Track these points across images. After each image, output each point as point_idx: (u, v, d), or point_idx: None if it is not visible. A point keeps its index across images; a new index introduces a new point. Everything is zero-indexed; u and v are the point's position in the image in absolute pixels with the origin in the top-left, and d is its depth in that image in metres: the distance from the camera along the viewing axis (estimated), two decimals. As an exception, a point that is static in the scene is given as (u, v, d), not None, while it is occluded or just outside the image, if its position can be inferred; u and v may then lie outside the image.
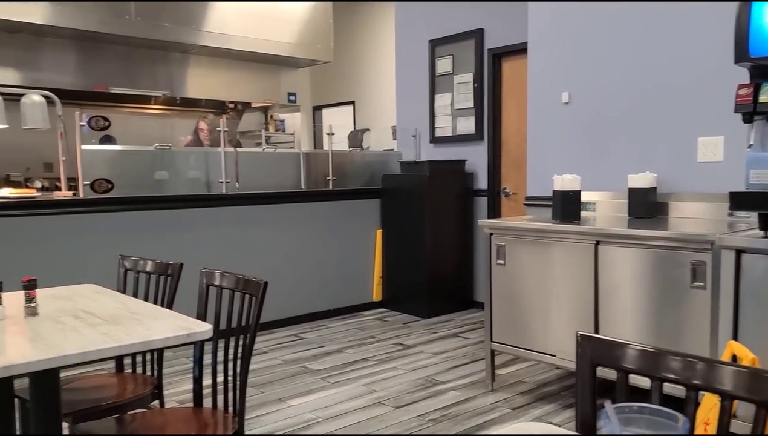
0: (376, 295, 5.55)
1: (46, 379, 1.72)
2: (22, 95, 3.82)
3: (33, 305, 1.97)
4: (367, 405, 3.31)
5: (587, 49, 3.71)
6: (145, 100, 6.32)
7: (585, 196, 3.52)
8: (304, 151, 5.52)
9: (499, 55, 5.27)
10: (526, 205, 4.06)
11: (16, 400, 2.16)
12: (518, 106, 5.10)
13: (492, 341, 3.47)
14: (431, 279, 5.21)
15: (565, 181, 3.27)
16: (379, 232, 5.53)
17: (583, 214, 3.46)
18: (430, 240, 5.17)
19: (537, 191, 3.96)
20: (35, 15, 5.00)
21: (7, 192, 3.88)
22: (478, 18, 5.34)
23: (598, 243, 2.96)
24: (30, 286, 1.96)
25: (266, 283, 1.95)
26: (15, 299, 2.07)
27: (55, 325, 1.84)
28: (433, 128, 5.76)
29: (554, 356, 3.18)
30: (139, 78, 6.22)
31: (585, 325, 3.04)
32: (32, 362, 1.51)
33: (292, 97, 7.35)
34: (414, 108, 5.92)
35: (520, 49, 4.96)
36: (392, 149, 6.13)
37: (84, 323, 1.86)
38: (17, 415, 2.19)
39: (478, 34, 5.33)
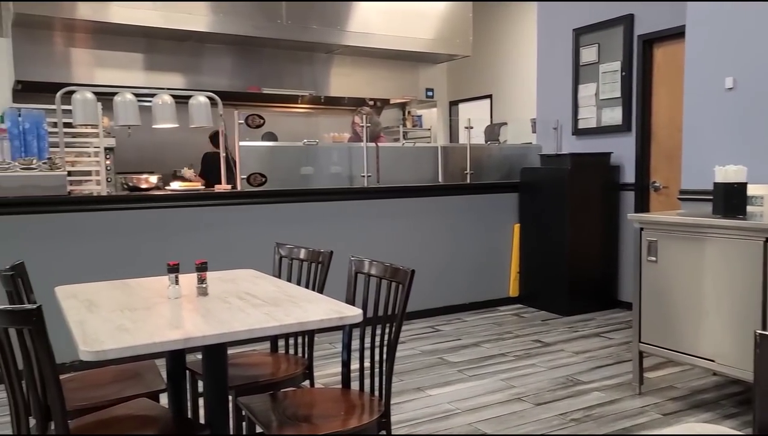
0: (513, 290, 5.47)
1: (216, 353, 1.89)
2: (188, 98, 4.21)
3: (204, 285, 2.18)
4: (506, 400, 3.28)
5: (756, 29, 3.39)
6: (292, 99, 6.70)
7: (751, 190, 3.22)
8: (441, 145, 5.56)
9: (651, 41, 4.95)
10: (680, 199, 3.79)
11: (186, 372, 2.41)
12: (671, 94, 4.77)
13: (641, 342, 3.29)
14: (572, 276, 5.03)
15: (728, 173, 3.01)
16: (517, 226, 5.44)
17: (748, 208, 3.17)
18: (571, 235, 4.99)
19: (693, 184, 3.69)
20: (201, 24, 5.48)
21: (176, 185, 4.30)
22: (627, 3, 5.06)
23: (767, 240, 2.71)
24: (202, 268, 2.17)
25: (413, 271, 2.00)
26: (188, 280, 2.29)
27: (223, 304, 2.02)
28: (575, 120, 5.55)
29: (712, 360, 2.95)
30: (287, 78, 6.60)
31: (750, 329, 2.79)
32: (207, 335, 1.67)
33: (429, 93, 7.42)
34: (555, 100, 5.74)
35: (674, 34, 4.64)
36: (530, 143, 6.00)
37: (248, 303, 2.02)
38: (187, 386, 2.43)
39: (627, 21, 5.05)
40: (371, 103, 7.33)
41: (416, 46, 6.63)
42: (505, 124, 6.84)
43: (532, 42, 6.29)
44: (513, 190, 5.43)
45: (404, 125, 7.80)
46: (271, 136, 5.89)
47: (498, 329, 4.69)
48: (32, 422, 1.73)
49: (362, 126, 4.89)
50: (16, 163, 3.40)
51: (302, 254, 2.65)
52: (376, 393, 2.16)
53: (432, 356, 4.06)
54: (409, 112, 7.98)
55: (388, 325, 2.10)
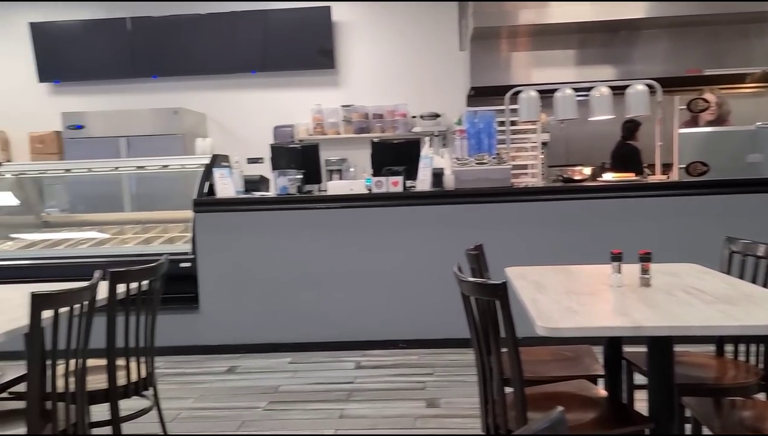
0: None
1: (664, 346, 1.85)
2: (621, 89, 4.17)
3: (647, 276, 2.15)
4: None
5: None
6: (738, 78, 5.97)
7: None
8: None
9: None
10: None
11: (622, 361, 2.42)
12: None
13: None
14: None
15: None
16: None
17: None
18: None
19: None
20: (638, 11, 5.36)
21: (609, 176, 4.33)
22: None
23: None
24: (645, 258, 2.14)
25: None
26: (627, 270, 2.28)
27: (669, 297, 1.96)
28: None
29: None
30: (732, 56, 5.90)
31: None
32: (658, 326, 1.66)
33: None
34: None
35: None
36: None
37: (696, 299, 1.92)
38: (623, 376, 2.43)
39: None
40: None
41: None
42: None
43: None
44: None
45: None
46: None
47: None
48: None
49: (715, 106, 4.07)
50: (473, 159, 3.95)
51: (761, 251, 2.36)
52: None
53: None
54: None
55: None
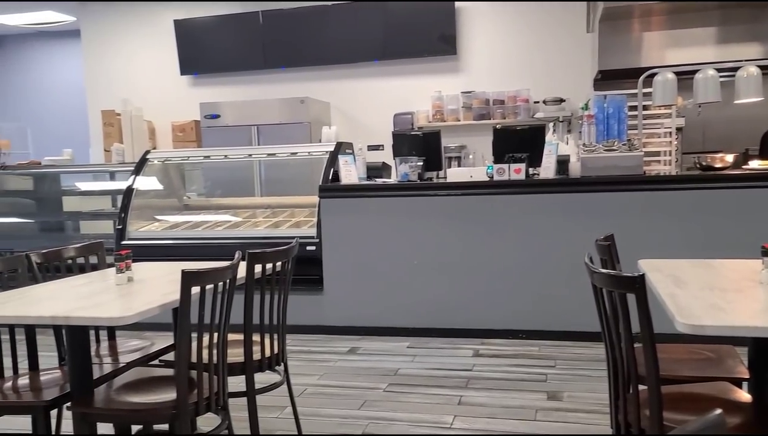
0: None
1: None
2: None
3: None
4: None
5: None
6: None
7: None
8: None
9: None
10: None
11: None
12: None
13: None
14: None
15: None
16: None
17: None
18: None
19: None
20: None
21: (755, 164, 3.98)
22: None
23: None
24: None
25: None
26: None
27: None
28: None
29: None
30: None
31: None
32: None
33: None
34: None
35: None
36: None
37: None
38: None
39: None
40: None
41: None
42: None
43: None
44: None
45: None
46: None
47: None
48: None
49: None
50: (601, 146, 3.78)
51: None
52: None
53: None
54: None
55: None
